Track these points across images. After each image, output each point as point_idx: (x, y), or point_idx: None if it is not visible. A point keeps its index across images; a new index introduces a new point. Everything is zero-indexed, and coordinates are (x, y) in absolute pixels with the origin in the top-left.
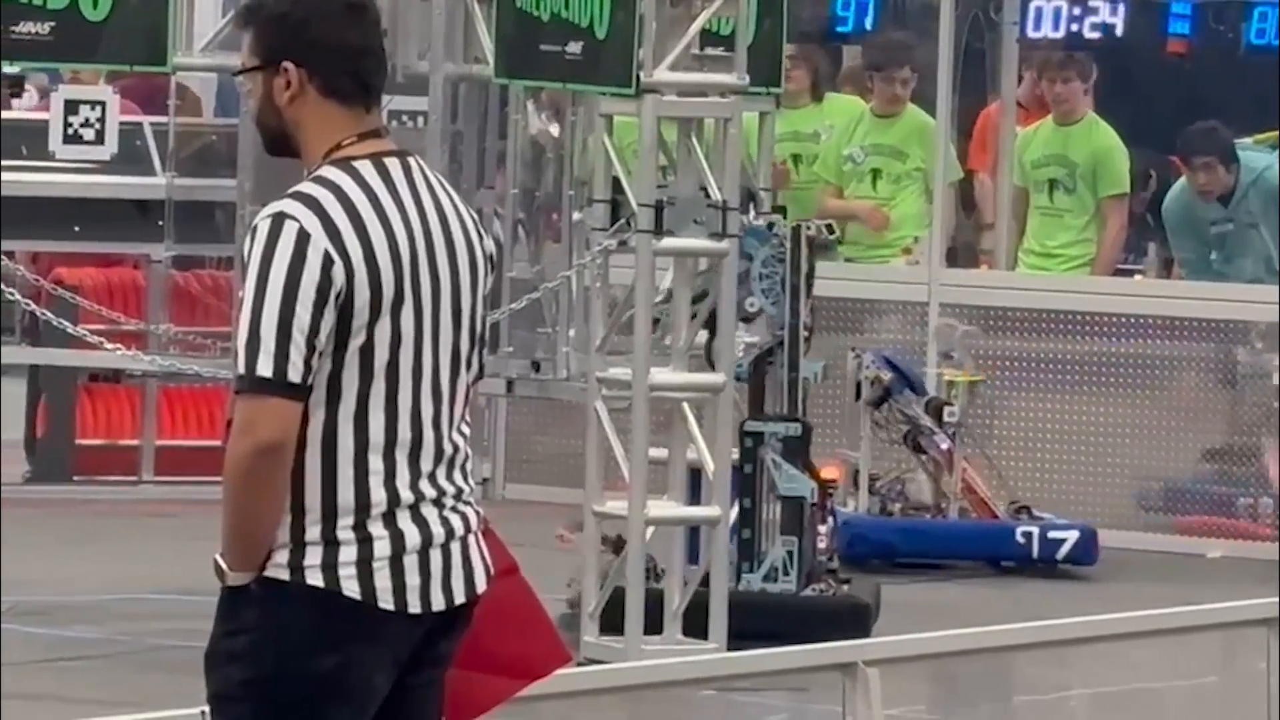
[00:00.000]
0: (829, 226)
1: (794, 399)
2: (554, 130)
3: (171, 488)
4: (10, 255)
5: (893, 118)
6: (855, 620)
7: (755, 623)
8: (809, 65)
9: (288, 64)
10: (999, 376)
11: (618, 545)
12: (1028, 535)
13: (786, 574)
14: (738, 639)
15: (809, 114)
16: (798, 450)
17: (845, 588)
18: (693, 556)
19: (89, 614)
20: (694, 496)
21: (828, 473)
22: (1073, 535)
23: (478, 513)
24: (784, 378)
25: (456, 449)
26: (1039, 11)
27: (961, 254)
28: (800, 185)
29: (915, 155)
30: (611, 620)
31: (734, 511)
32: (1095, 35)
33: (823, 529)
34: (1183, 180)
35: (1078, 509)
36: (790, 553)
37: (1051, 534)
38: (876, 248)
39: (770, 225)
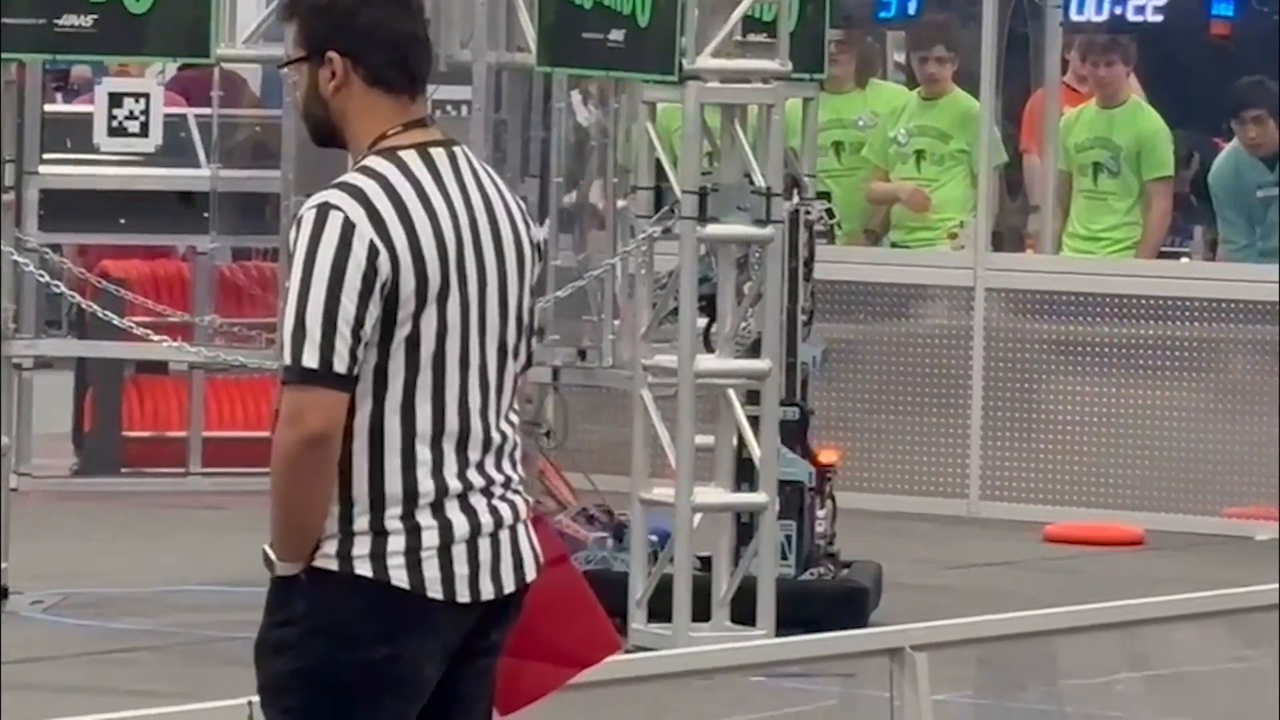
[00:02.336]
0: (829, 211)
1: (792, 384)
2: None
3: (219, 479)
4: (57, 249)
5: (937, 99)
6: (852, 605)
7: (752, 608)
8: (854, 51)
9: (333, 54)
10: (1045, 360)
11: (617, 530)
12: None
13: (785, 558)
14: (737, 622)
15: (853, 100)
16: (796, 434)
17: (845, 571)
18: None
19: (138, 606)
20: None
21: (826, 456)
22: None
23: (527, 501)
24: (782, 362)
25: (505, 438)
26: None
27: (1007, 238)
28: (843, 171)
29: (959, 138)
30: (660, 607)
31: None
32: (1138, 18)
33: (821, 513)
34: (1230, 146)
35: (1124, 494)
36: (789, 537)
37: None
38: (920, 230)
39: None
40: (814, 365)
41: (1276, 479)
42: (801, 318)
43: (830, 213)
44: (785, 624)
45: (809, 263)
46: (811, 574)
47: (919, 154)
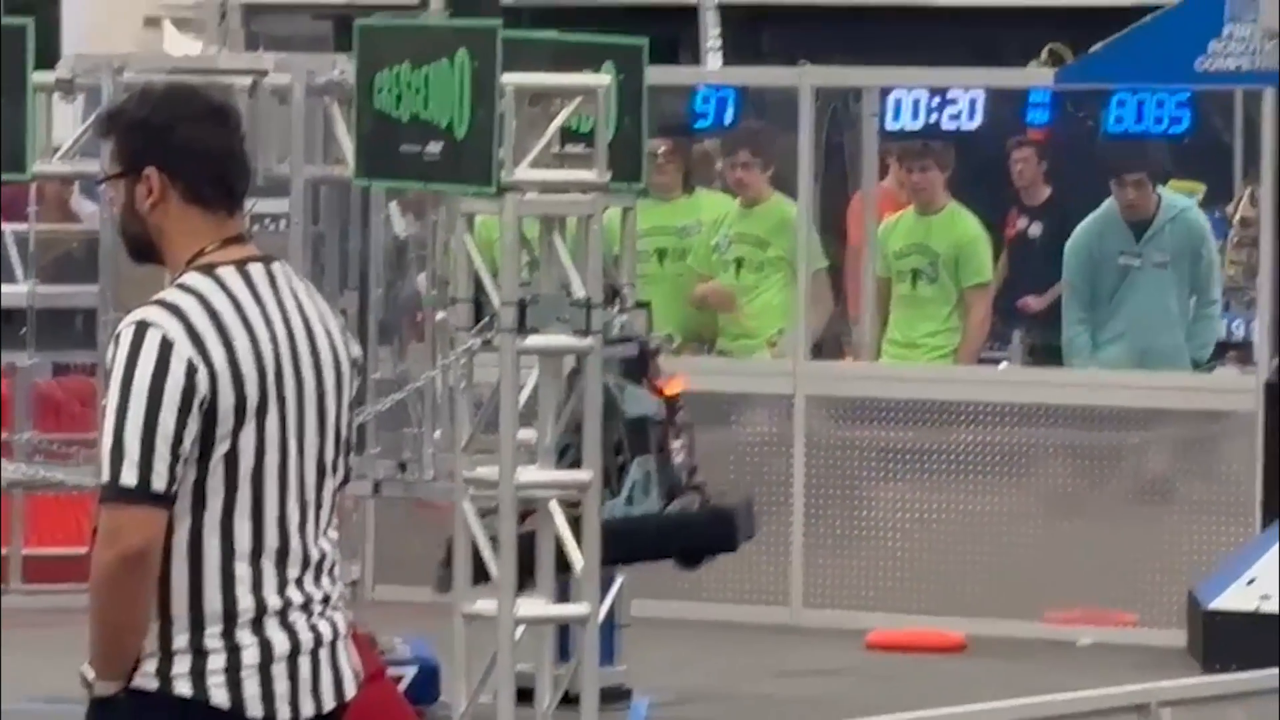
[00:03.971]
0: (669, 337)
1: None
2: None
3: (39, 597)
4: None
5: (753, 207)
6: (722, 527)
7: (624, 547)
8: (680, 159)
9: (150, 170)
10: (866, 467)
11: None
12: None
13: (646, 494)
14: (611, 564)
15: (680, 207)
16: (637, 370)
17: (711, 502)
18: (563, 653)
19: None
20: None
21: (671, 388)
22: (411, 671)
23: (346, 618)
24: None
25: (324, 555)
26: (898, 103)
27: (826, 345)
28: (666, 277)
29: (777, 244)
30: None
31: None
32: (953, 125)
33: (676, 443)
34: (1099, 210)
35: (946, 600)
36: (647, 472)
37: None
38: (743, 338)
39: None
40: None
41: (1095, 583)
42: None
43: (670, 338)
44: (658, 556)
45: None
46: (677, 505)
47: (738, 261)
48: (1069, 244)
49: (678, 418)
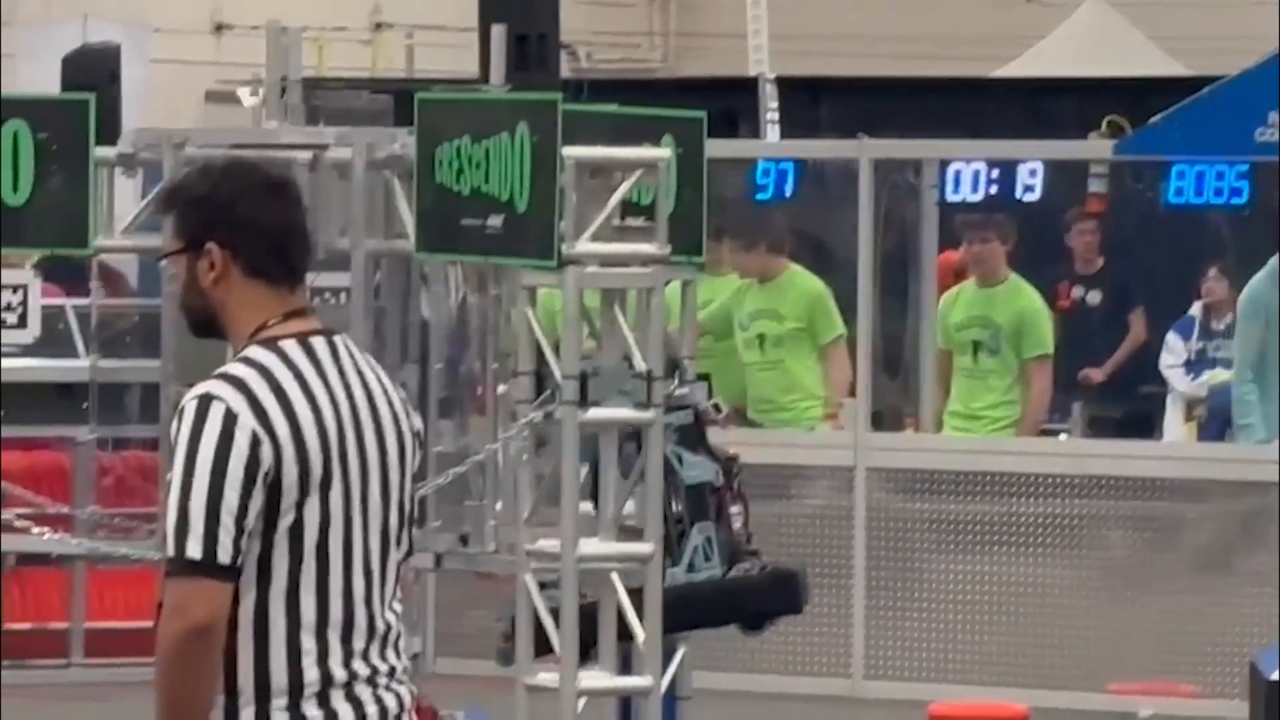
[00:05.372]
0: (715, 405)
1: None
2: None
3: (103, 670)
4: None
5: (769, 282)
6: (785, 589)
7: (688, 613)
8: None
9: (211, 245)
10: (927, 539)
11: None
12: None
13: (709, 560)
14: (675, 631)
15: (731, 283)
16: (694, 436)
17: (771, 565)
18: None
19: None
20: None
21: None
22: None
23: (411, 691)
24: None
25: (389, 627)
26: (958, 175)
27: (886, 417)
28: (720, 353)
29: (791, 316)
30: None
31: None
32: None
33: (734, 509)
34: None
35: (1008, 671)
36: (708, 539)
37: None
38: (776, 412)
39: None
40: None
41: (1157, 654)
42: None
43: (718, 407)
44: (724, 621)
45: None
46: (738, 570)
47: (760, 337)
48: (1244, 297)
49: (735, 483)
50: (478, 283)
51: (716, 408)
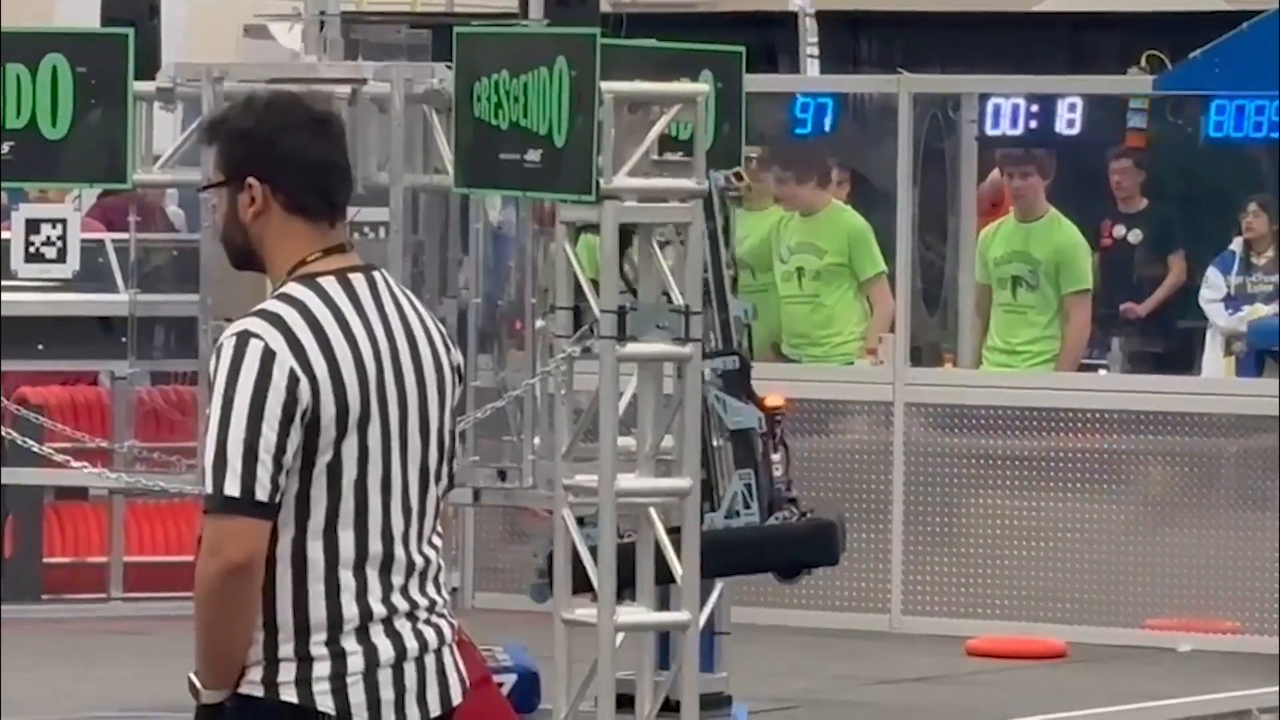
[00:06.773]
0: (737, 174)
1: (727, 336)
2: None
3: (141, 604)
4: None
5: (811, 215)
6: (823, 539)
7: (725, 560)
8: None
9: (252, 179)
10: (965, 474)
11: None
12: None
13: (748, 507)
14: (711, 577)
15: (771, 217)
16: (738, 382)
17: (810, 514)
18: (663, 661)
19: None
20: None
21: (772, 400)
22: (511, 678)
23: (451, 624)
24: (714, 318)
25: (428, 562)
26: (997, 109)
27: (925, 353)
28: (760, 287)
29: (832, 251)
30: None
31: None
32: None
33: (776, 457)
34: None
35: (1046, 607)
36: (748, 485)
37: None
38: (810, 347)
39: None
40: (746, 317)
41: (1196, 589)
42: (728, 273)
43: (739, 175)
44: (760, 569)
45: (726, 227)
46: (777, 518)
47: (799, 270)
48: None
49: (778, 431)
50: (537, 220)
51: (739, 176)
